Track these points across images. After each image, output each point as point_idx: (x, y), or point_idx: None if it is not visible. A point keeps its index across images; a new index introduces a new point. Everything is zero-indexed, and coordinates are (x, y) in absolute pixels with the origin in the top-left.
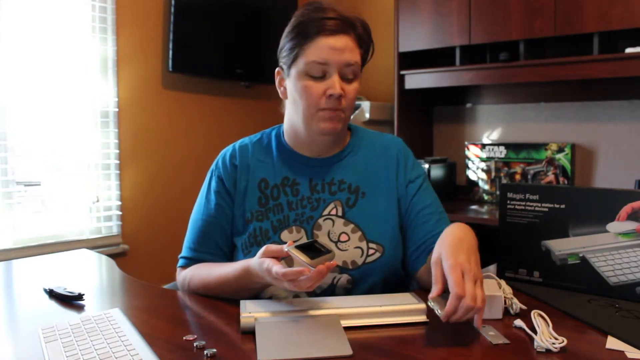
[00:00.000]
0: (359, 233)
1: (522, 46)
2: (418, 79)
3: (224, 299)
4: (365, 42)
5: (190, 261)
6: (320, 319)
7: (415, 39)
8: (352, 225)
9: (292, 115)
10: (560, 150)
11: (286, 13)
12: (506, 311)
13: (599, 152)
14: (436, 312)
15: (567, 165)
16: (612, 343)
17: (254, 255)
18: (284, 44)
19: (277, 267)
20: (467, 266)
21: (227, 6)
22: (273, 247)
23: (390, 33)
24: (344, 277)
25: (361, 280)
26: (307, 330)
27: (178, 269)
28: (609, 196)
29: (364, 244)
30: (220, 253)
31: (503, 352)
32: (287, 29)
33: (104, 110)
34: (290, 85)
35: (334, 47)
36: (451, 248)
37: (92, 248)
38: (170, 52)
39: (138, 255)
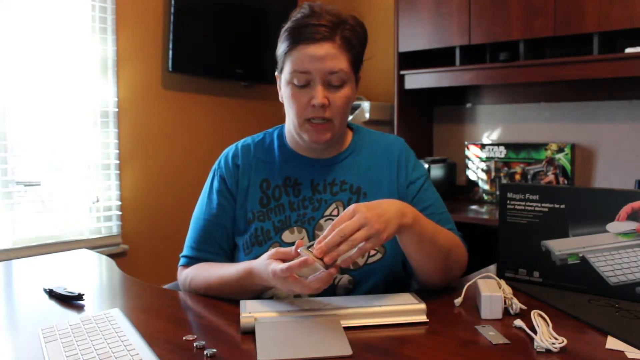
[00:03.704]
0: None
1: (522, 46)
2: (418, 79)
3: (224, 299)
4: (354, 45)
5: (192, 260)
6: (320, 319)
7: (415, 39)
8: None
9: (288, 120)
10: (560, 150)
11: (286, 13)
12: (506, 311)
13: (599, 152)
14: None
15: (567, 165)
16: (612, 343)
17: (255, 255)
18: (277, 49)
19: (282, 265)
20: (362, 209)
21: (227, 6)
22: (282, 249)
23: (390, 33)
24: (345, 278)
25: (362, 281)
26: (307, 330)
27: (179, 268)
28: (609, 196)
29: None
30: (222, 252)
31: (503, 352)
32: (280, 33)
33: (104, 110)
34: (282, 91)
35: (315, 55)
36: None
37: (92, 248)
38: (170, 52)
39: (138, 255)
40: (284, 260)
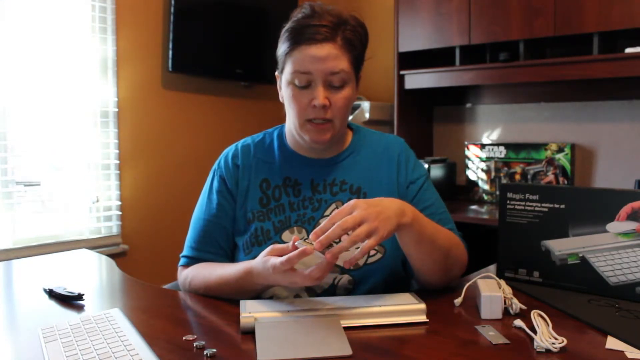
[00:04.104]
0: None
1: (522, 46)
2: (418, 79)
3: (224, 299)
4: (355, 46)
5: (192, 260)
6: (320, 319)
7: (415, 39)
8: None
9: (288, 120)
10: (560, 150)
11: (286, 13)
12: (506, 311)
13: (599, 152)
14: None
15: (567, 165)
16: (612, 343)
17: (255, 255)
18: (277, 49)
19: (281, 258)
20: (362, 205)
21: (227, 6)
22: (279, 245)
23: (390, 33)
24: (345, 278)
25: (362, 281)
26: (307, 330)
27: (179, 268)
28: (609, 196)
29: None
30: (222, 252)
31: (503, 352)
32: (281, 33)
33: (104, 110)
34: (282, 91)
35: (316, 56)
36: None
37: (92, 248)
38: (170, 52)
39: (138, 255)
40: (281, 256)
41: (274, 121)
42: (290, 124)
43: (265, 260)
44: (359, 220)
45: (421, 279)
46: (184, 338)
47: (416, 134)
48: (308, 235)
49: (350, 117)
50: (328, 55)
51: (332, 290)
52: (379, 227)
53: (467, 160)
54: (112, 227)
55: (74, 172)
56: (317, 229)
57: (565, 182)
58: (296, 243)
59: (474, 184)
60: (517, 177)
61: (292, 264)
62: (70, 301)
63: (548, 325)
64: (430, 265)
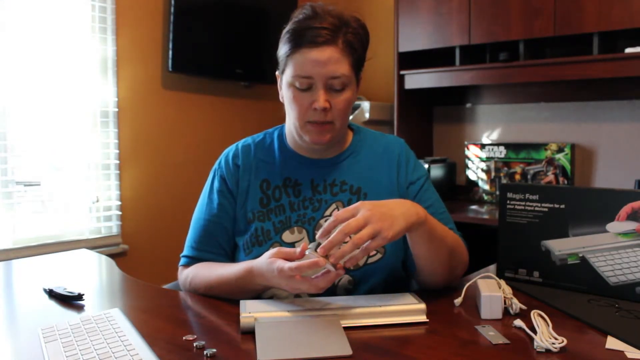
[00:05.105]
0: None
1: (522, 46)
2: (418, 79)
3: (224, 299)
4: (356, 48)
5: (192, 260)
6: (320, 319)
7: (415, 39)
8: None
9: (288, 120)
10: (560, 150)
11: (286, 13)
12: (506, 311)
13: (598, 152)
14: (312, 251)
15: (567, 165)
16: (612, 343)
17: (255, 255)
18: (278, 50)
19: (290, 263)
20: (367, 206)
21: (227, 6)
22: (284, 249)
23: (390, 33)
24: (345, 278)
25: (362, 281)
26: (307, 330)
27: (180, 268)
28: (609, 196)
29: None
30: (222, 252)
31: (503, 352)
32: (281, 34)
33: (104, 110)
34: (283, 92)
35: (318, 60)
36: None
37: (92, 248)
38: (170, 52)
39: (138, 255)
40: (287, 260)
41: (274, 121)
42: (291, 124)
43: (271, 262)
44: (362, 223)
45: (425, 279)
46: (184, 338)
47: (416, 134)
48: (308, 236)
49: (351, 117)
50: (329, 59)
51: (332, 290)
52: (383, 229)
53: (467, 160)
54: (112, 227)
55: (74, 172)
56: (322, 232)
57: (565, 182)
58: (306, 252)
59: (474, 184)
60: (517, 177)
61: (300, 272)
62: (70, 301)
63: (548, 325)
64: (437, 265)
